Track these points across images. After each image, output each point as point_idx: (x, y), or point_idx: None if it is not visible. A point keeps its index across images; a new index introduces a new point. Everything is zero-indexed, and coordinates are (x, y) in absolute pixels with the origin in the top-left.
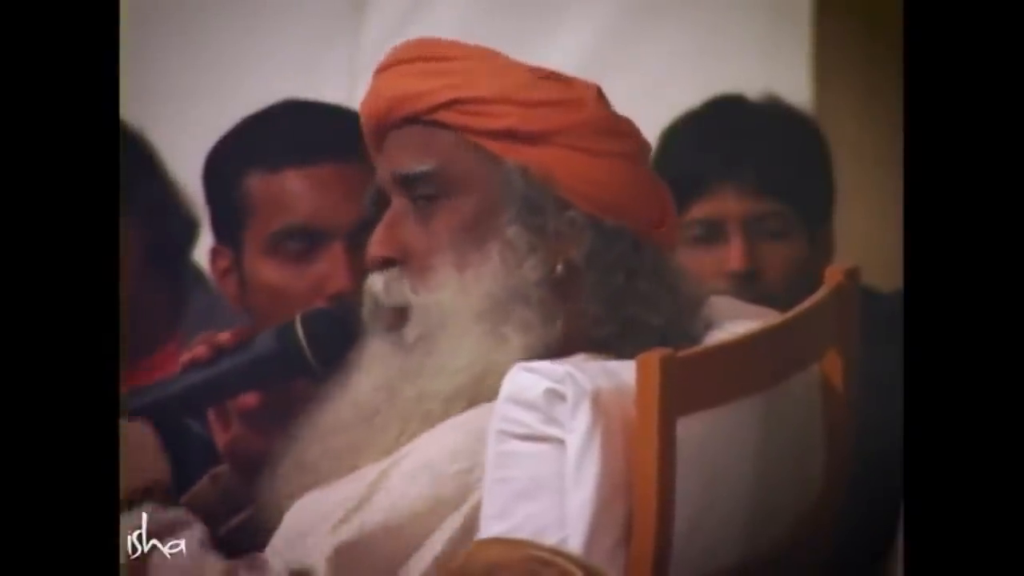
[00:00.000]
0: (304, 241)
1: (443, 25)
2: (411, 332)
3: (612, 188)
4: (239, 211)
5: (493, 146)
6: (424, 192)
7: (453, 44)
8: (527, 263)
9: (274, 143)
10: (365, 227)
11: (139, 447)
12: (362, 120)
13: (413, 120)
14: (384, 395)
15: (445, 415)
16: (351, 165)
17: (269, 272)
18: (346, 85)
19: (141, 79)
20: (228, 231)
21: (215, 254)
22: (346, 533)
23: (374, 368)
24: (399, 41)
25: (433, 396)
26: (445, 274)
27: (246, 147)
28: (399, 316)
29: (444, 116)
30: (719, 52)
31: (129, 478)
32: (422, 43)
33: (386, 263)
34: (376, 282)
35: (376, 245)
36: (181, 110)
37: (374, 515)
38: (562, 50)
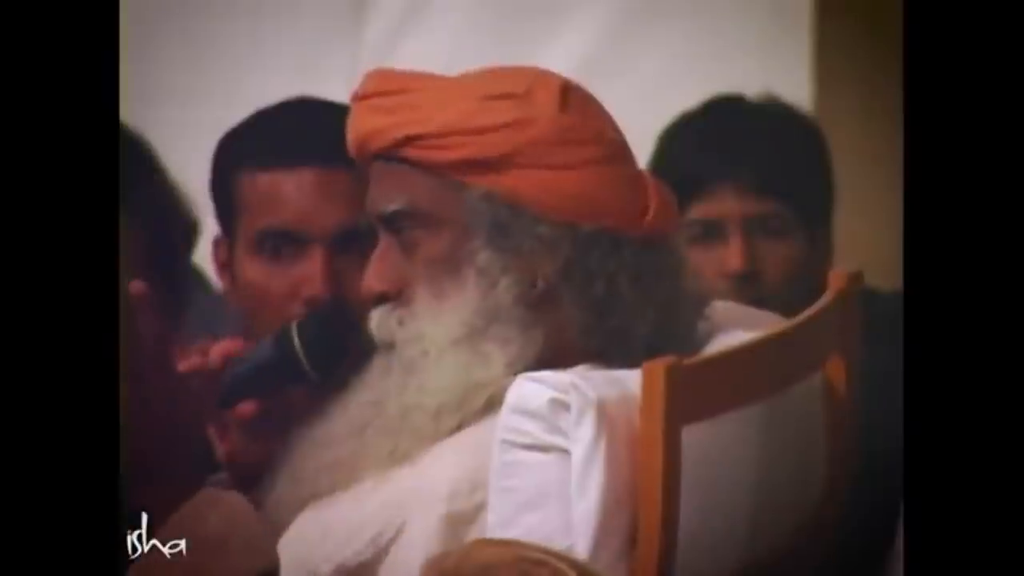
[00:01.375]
0: (286, 243)
1: (443, 26)
2: (396, 362)
3: (580, 196)
4: (233, 206)
5: (457, 176)
6: (403, 226)
7: (407, 76)
8: (501, 285)
9: (269, 142)
10: (347, 235)
11: (243, 528)
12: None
13: (382, 156)
14: (372, 410)
15: (435, 431)
16: (340, 171)
17: (252, 270)
18: (346, 86)
19: (141, 80)
20: (226, 224)
21: (217, 245)
22: (356, 558)
23: (368, 384)
24: (399, 42)
25: (419, 411)
26: (424, 304)
27: (243, 143)
28: (388, 349)
29: (405, 152)
30: (719, 53)
31: (237, 561)
32: (381, 76)
33: (380, 298)
34: (372, 318)
35: (369, 281)
36: (181, 111)
37: (386, 563)
38: (562, 51)
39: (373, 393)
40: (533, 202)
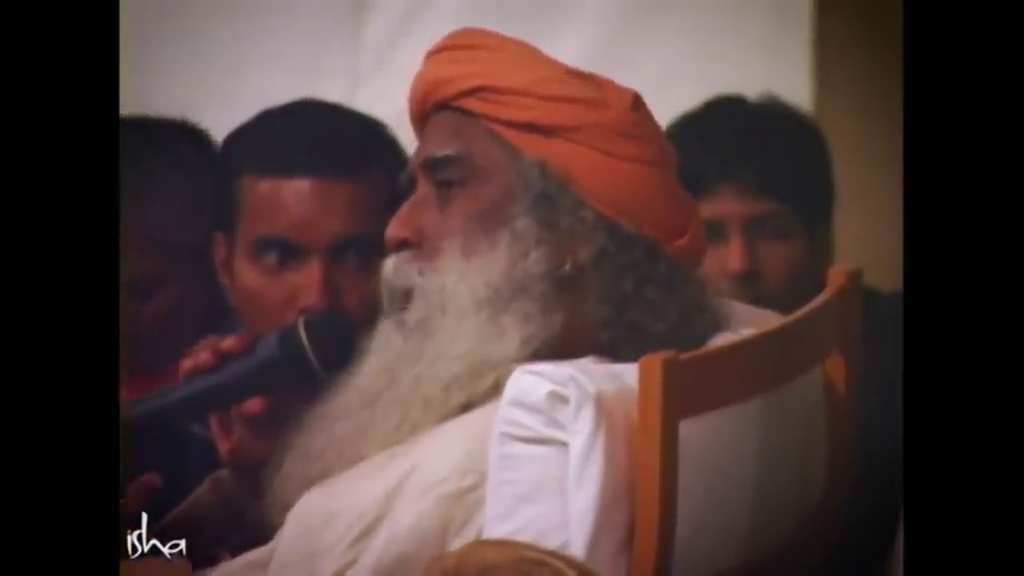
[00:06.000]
0: (283, 251)
1: (443, 27)
2: (412, 314)
3: (629, 192)
4: (233, 207)
5: (514, 137)
6: (446, 177)
7: (493, 35)
8: (532, 256)
9: (271, 148)
10: (344, 244)
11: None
12: (408, 105)
13: (446, 107)
14: (385, 378)
15: (444, 402)
16: (341, 180)
17: (249, 275)
18: (346, 86)
19: (141, 80)
20: (226, 223)
21: (217, 243)
22: (351, 556)
23: (379, 350)
24: (399, 42)
25: (431, 381)
26: (451, 258)
27: (247, 146)
28: (403, 297)
29: (470, 103)
30: (719, 53)
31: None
32: (465, 32)
33: (402, 244)
34: (388, 263)
35: (394, 226)
36: (181, 111)
37: (381, 546)
38: (562, 52)
39: (385, 357)
40: (581, 183)
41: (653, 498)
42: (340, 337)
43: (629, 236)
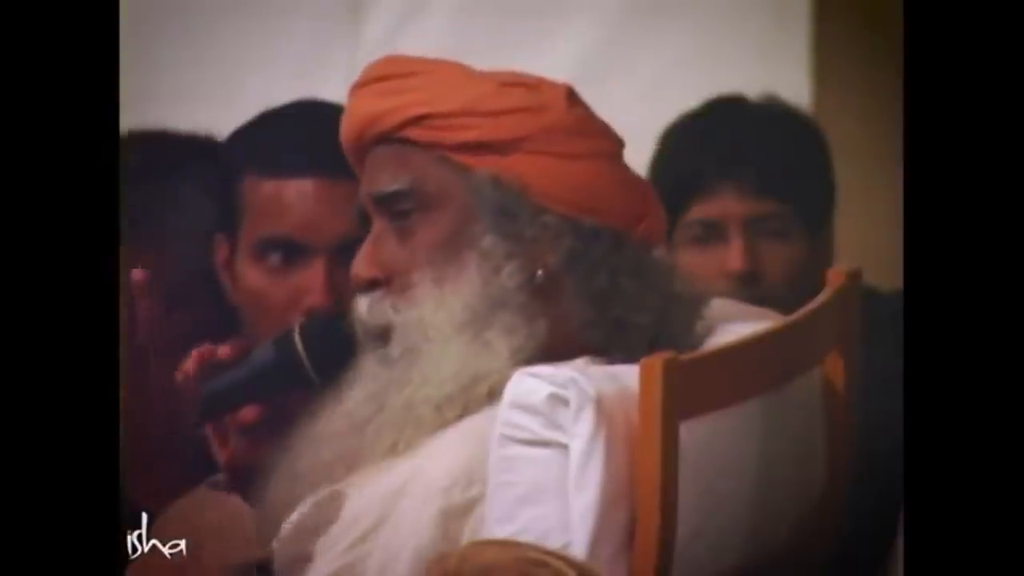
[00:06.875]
0: (287, 252)
1: (440, 29)
2: (395, 349)
3: (586, 189)
4: (235, 208)
5: (463, 158)
6: (401, 210)
7: (418, 60)
8: (505, 271)
9: (274, 148)
10: (349, 245)
11: (239, 523)
12: (342, 143)
13: (385, 139)
14: (373, 406)
15: (438, 420)
16: (344, 180)
17: (253, 276)
18: (345, 85)
19: (141, 80)
20: (227, 224)
21: (218, 244)
22: (351, 558)
23: (363, 382)
24: (398, 42)
25: (422, 402)
26: (424, 289)
27: (248, 146)
28: (383, 335)
29: (412, 133)
30: (719, 53)
31: (233, 554)
32: (388, 61)
33: (371, 284)
34: (361, 303)
35: (359, 266)
36: (181, 111)
37: (383, 548)
38: (562, 52)
39: (372, 386)
40: (537, 190)
41: (653, 499)
42: (337, 342)
43: (594, 231)
